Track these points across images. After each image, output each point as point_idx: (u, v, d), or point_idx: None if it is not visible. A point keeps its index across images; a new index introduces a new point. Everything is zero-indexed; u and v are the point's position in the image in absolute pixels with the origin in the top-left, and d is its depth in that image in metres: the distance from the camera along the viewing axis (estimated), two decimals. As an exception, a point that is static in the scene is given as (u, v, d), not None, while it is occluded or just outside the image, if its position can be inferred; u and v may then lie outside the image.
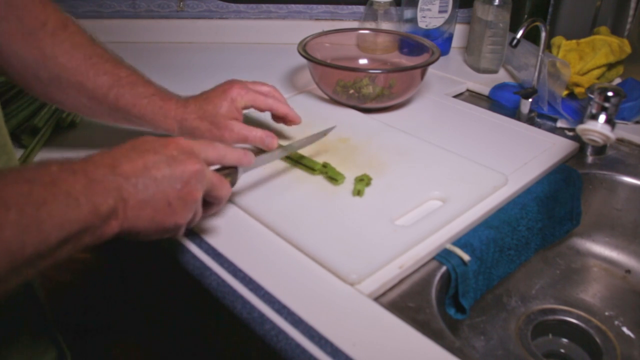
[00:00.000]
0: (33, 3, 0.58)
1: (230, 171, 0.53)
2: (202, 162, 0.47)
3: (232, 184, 0.53)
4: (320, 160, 0.66)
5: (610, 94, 0.66)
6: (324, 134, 0.66)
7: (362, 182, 0.62)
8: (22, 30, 0.57)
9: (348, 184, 0.63)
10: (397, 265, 0.52)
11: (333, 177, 0.63)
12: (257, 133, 0.64)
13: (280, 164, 0.67)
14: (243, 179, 0.62)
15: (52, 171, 0.38)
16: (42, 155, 0.72)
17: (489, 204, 0.61)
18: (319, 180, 0.63)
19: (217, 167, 0.53)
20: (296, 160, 0.66)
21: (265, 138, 0.64)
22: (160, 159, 0.44)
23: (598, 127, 0.66)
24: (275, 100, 0.67)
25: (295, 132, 0.74)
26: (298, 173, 0.65)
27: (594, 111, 0.67)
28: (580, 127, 0.67)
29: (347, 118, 0.79)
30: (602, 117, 0.66)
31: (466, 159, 0.67)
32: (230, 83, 0.66)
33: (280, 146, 0.64)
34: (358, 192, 0.61)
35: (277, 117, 0.69)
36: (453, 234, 0.56)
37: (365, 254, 0.52)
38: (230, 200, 0.60)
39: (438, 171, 0.65)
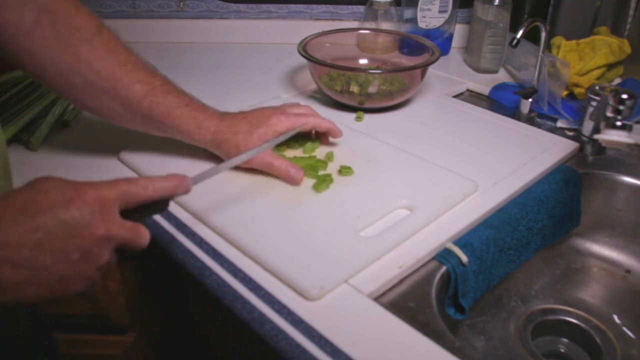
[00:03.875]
0: (66, 8, 0.57)
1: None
2: (112, 221, 0.40)
3: (163, 209, 0.47)
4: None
5: (624, 96, 0.65)
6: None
7: (325, 182, 0.61)
8: (56, 35, 0.56)
9: (312, 194, 0.61)
10: (397, 266, 0.52)
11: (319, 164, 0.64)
12: (282, 164, 0.62)
13: (243, 174, 0.64)
14: (206, 189, 0.60)
15: None
16: (42, 154, 0.72)
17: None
18: (282, 189, 0.61)
19: None
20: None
21: (291, 170, 0.62)
22: (55, 224, 0.38)
23: (624, 137, 0.65)
24: (316, 117, 0.66)
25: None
26: (259, 182, 0.63)
27: (609, 114, 0.67)
28: (605, 139, 0.67)
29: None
30: (623, 127, 0.66)
31: (436, 166, 0.66)
32: (271, 110, 0.64)
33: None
34: (317, 188, 0.61)
35: (319, 134, 0.69)
36: (453, 234, 0.56)
37: (326, 268, 0.50)
38: (188, 209, 0.59)
39: (406, 179, 0.63)
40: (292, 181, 0.62)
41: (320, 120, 0.67)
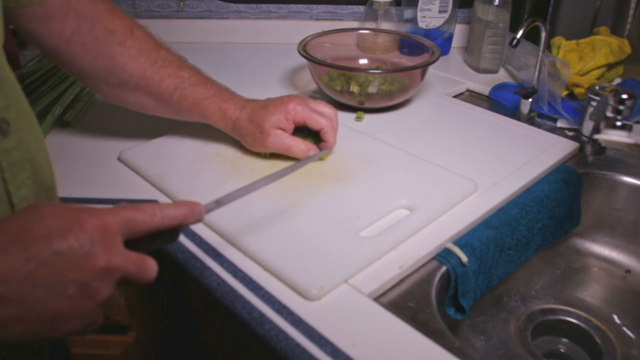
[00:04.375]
0: (102, 13, 0.61)
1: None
2: (114, 251, 0.36)
3: (172, 240, 0.42)
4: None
5: (624, 96, 0.65)
6: (311, 159, 0.61)
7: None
8: (93, 40, 0.60)
9: (312, 194, 0.61)
10: (397, 266, 0.52)
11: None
12: (301, 145, 0.65)
13: (242, 174, 0.65)
14: (204, 188, 0.61)
15: None
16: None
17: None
18: (282, 190, 0.61)
19: None
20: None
21: (309, 151, 0.65)
22: (50, 255, 0.33)
23: (624, 137, 0.65)
24: (330, 125, 0.66)
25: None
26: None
27: (609, 114, 0.67)
28: (605, 139, 0.67)
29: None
30: (623, 127, 0.66)
31: (436, 166, 0.66)
32: (290, 97, 0.66)
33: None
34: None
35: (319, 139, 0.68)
36: (453, 234, 0.56)
37: (326, 268, 0.50)
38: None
39: (406, 179, 0.63)
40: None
41: (330, 129, 0.66)
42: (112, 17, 0.62)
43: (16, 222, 0.34)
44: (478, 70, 0.98)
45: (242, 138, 0.67)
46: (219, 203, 0.45)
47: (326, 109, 0.68)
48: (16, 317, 0.33)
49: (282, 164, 0.66)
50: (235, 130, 0.67)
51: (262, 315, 0.47)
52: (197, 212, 0.42)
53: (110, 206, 0.38)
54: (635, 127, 0.69)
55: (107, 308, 0.38)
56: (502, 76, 0.97)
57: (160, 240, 0.41)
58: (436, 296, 0.51)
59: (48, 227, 0.34)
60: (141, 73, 0.63)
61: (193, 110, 0.66)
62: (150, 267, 0.39)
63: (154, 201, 0.62)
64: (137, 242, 0.39)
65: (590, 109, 0.73)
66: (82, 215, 0.36)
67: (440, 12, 1.01)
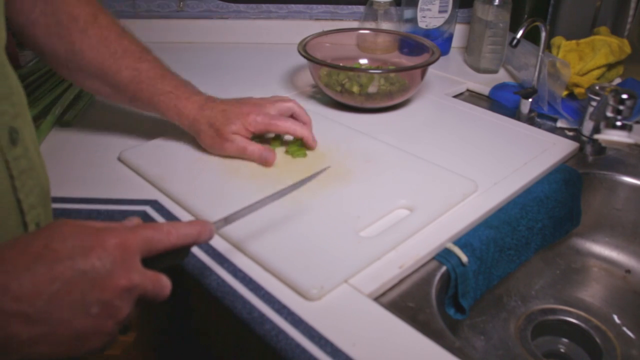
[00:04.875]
0: None
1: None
2: (134, 270, 0.37)
3: (183, 258, 0.44)
4: (286, 168, 0.66)
5: (624, 96, 0.65)
6: (314, 176, 0.56)
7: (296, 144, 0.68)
8: (56, 24, 0.60)
9: (312, 194, 0.60)
10: (397, 266, 0.52)
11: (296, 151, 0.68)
12: (255, 148, 0.65)
13: (242, 173, 0.65)
14: (204, 189, 0.61)
15: None
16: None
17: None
18: (280, 188, 0.60)
19: None
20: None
21: (263, 152, 0.65)
22: (74, 274, 0.34)
23: (624, 137, 0.66)
24: (292, 123, 0.67)
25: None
26: (259, 182, 0.63)
27: (609, 114, 0.67)
28: (605, 139, 0.67)
29: (320, 123, 0.74)
30: (623, 127, 0.66)
31: (436, 166, 0.66)
32: (250, 107, 0.66)
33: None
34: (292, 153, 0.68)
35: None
36: (453, 234, 0.56)
37: (326, 268, 0.50)
38: (188, 209, 0.60)
39: (406, 179, 0.63)
40: (265, 163, 0.66)
41: (295, 126, 0.67)
42: (78, 2, 0.62)
43: (39, 241, 0.35)
44: (478, 70, 0.98)
45: (200, 139, 0.67)
46: (227, 221, 0.46)
47: (286, 105, 0.68)
48: (40, 337, 0.33)
49: (281, 164, 0.66)
50: (193, 129, 0.67)
51: (262, 315, 0.47)
52: (209, 231, 0.43)
53: (130, 223, 0.40)
54: (635, 127, 0.69)
55: (122, 326, 0.38)
56: (502, 76, 0.97)
57: (172, 257, 0.42)
58: (436, 296, 0.51)
59: (71, 247, 0.35)
60: (99, 62, 0.63)
61: (148, 103, 0.66)
62: (165, 284, 0.40)
63: (154, 202, 0.62)
64: (151, 259, 0.40)
65: (590, 109, 0.73)
66: (104, 234, 0.36)
67: (440, 12, 1.01)
